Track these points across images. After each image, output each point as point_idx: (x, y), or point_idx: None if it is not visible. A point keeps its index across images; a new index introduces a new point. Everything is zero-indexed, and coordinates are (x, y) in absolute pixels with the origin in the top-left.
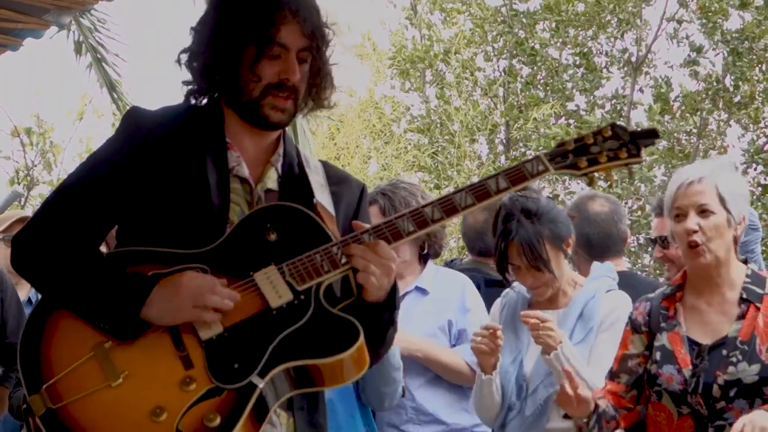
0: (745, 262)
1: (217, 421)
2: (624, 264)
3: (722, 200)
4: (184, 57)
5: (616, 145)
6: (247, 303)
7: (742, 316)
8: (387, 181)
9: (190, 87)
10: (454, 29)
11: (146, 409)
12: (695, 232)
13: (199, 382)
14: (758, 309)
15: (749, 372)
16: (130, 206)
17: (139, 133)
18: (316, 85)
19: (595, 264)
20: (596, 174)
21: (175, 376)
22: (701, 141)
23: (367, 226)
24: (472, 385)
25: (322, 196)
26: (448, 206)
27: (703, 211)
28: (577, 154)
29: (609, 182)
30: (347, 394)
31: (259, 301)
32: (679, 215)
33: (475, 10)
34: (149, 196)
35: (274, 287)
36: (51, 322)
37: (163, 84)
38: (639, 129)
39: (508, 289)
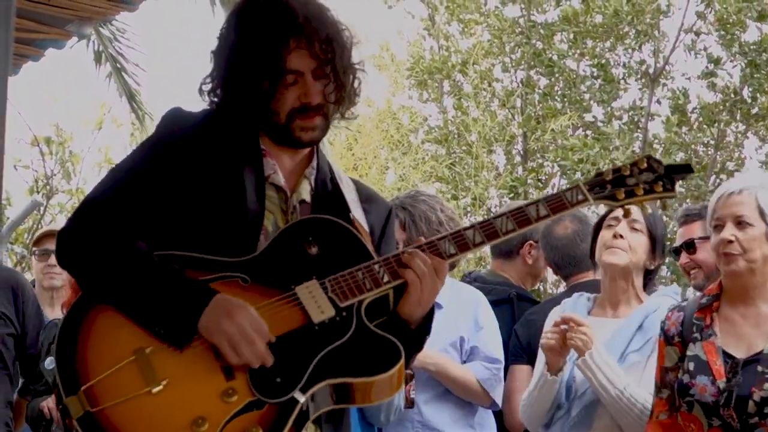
0: None
1: None
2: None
3: (762, 213)
4: (206, 87)
5: (652, 178)
6: (288, 317)
7: None
8: (406, 193)
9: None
10: (472, 40)
11: (187, 418)
12: (730, 242)
13: (241, 394)
14: None
15: None
16: (165, 208)
17: (176, 132)
18: (342, 92)
19: (661, 287)
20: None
21: (217, 386)
22: (719, 153)
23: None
24: (480, 402)
25: (357, 212)
26: (489, 231)
27: (740, 223)
28: (615, 185)
29: None
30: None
31: (300, 316)
32: (718, 226)
33: (493, 21)
34: (184, 197)
35: (317, 302)
36: (89, 322)
37: (182, 93)
38: (674, 163)
39: (567, 299)
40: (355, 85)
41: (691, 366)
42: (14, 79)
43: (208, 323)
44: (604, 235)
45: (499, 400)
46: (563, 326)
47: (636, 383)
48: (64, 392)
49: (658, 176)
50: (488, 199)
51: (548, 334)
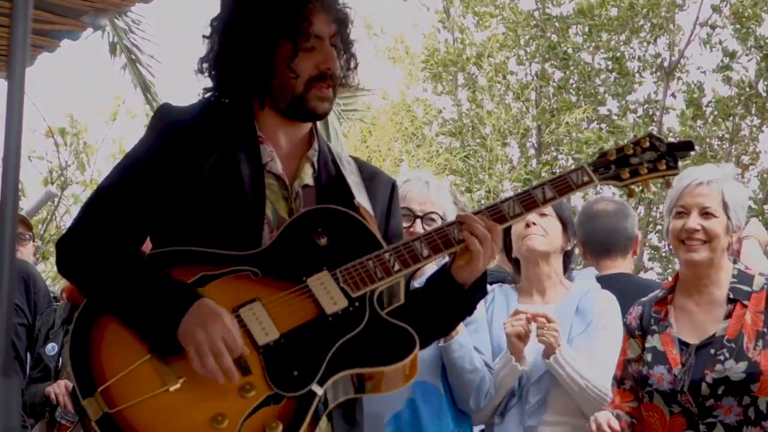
0: (735, 261)
1: (279, 429)
2: (629, 266)
3: (725, 206)
4: (205, 67)
5: (655, 157)
6: (302, 309)
7: (729, 315)
8: None
9: (213, 92)
10: (487, 33)
11: (206, 415)
12: (696, 231)
13: (259, 389)
14: (745, 307)
15: (736, 369)
16: (166, 203)
17: (170, 129)
18: (346, 68)
19: (576, 272)
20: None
21: (234, 382)
22: (733, 146)
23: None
24: None
25: (361, 196)
26: (497, 215)
27: (706, 214)
28: (619, 165)
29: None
30: (431, 394)
31: (313, 308)
32: (681, 213)
33: (508, 13)
34: (184, 192)
35: (329, 293)
36: (101, 323)
37: (196, 85)
38: (675, 141)
39: (496, 286)
40: (354, 66)
41: (649, 357)
42: (29, 69)
43: (183, 329)
44: (516, 227)
45: None
46: (523, 316)
47: (587, 366)
48: (81, 394)
49: (661, 154)
50: (502, 192)
51: (514, 322)
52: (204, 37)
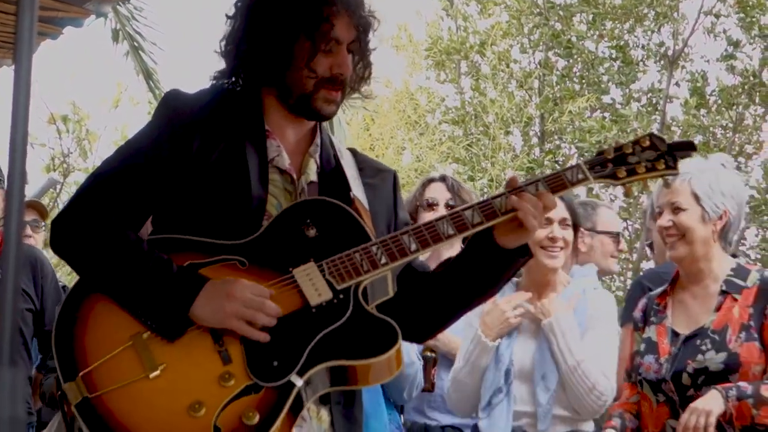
0: (735, 256)
1: (256, 419)
2: None
3: (696, 198)
4: (224, 46)
5: (654, 156)
6: (285, 300)
7: (719, 308)
8: None
9: (224, 78)
10: (491, 21)
11: (184, 403)
12: (667, 228)
13: (238, 379)
14: (736, 300)
15: (716, 360)
16: (167, 191)
17: (178, 116)
18: (360, 75)
19: (576, 267)
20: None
21: (214, 371)
22: (737, 135)
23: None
24: None
25: (358, 190)
26: (487, 210)
27: (676, 209)
28: (616, 164)
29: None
30: None
31: (298, 299)
32: (659, 213)
33: (512, 1)
34: (187, 182)
35: (314, 285)
36: (86, 308)
37: (198, 72)
38: (676, 140)
39: None
40: (369, 75)
41: (643, 347)
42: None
43: (212, 313)
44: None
45: None
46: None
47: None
48: (63, 378)
49: (661, 154)
50: (505, 181)
51: (517, 311)
52: (227, 16)
